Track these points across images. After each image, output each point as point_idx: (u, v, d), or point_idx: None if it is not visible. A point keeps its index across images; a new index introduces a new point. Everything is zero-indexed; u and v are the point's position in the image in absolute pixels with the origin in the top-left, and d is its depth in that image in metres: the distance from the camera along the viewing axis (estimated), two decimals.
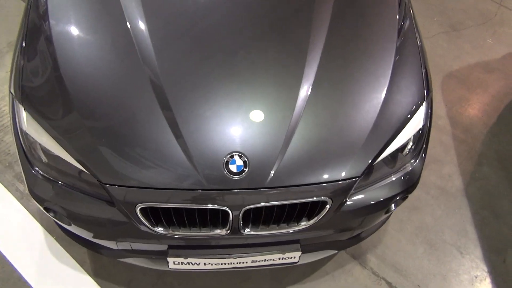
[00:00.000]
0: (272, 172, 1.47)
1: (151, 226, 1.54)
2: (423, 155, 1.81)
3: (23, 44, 1.72)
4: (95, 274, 2.07)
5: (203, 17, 1.75)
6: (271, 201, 1.49)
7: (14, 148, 1.75)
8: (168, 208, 1.52)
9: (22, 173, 1.65)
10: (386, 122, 1.63)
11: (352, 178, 1.54)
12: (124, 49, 1.65)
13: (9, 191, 2.28)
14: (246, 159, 1.47)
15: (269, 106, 1.59)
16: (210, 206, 1.47)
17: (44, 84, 1.62)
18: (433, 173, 2.52)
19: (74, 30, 1.70)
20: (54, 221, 1.85)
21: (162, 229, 1.55)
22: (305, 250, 1.75)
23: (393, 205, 1.76)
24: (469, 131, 2.72)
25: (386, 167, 1.68)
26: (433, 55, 3.07)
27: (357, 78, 1.69)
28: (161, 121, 1.51)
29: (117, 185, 1.47)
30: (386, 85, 1.69)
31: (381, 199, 1.67)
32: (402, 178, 1.72)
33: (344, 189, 1.54)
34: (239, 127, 1.53)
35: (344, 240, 1.88)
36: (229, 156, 1.47)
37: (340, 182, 1.53)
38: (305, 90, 1.62)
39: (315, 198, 1.51)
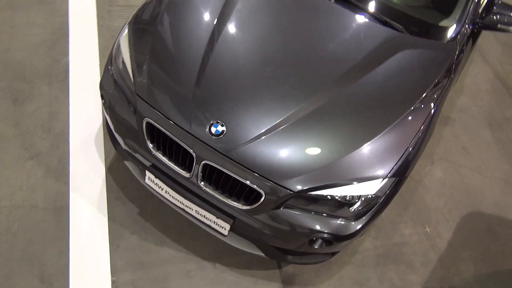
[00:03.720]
0: (237, 148, 1.93)
1: (147, 139, 2.10)
2: (365, 226, 2.08)
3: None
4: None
5: (265, 46, 2.23)
6: (223, 167, 1.94)
7: None
8: (161, 134, 2.06)
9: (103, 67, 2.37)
10: (341, 169, 1.96)
11: (288, 189, 1.91)
12: (203, 30, 2.24)
13: None
14: (225, 129, 1.96)
15: (269, 108, 2.02)
16: (183, 144, 1.98)
17: (144, 26, 2.32)
18: (397, 272, 2.66)
19: (179, 13, 2.35)
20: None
21: (152, 145, 2.10)
22: (234, 230, 2.15)
23: (317, 243, 2.07)
24: (458, 271, 2.77)
25: (327, 206, 2.01)
26: (476, 190, 3.15)
27: (347, 124, 2.05)
28: (194, 70, 2.08)
29: (141, 98, 2.07)
30: (367, 142, 2.02)
31: (306, 226, 1.99)
32: (334, 225, 2.02)
33: (279, 193, 1.92)
34: (240, 108, 2.01)
35: (270, 247, 2.20)
36: (216, 121, 1.97)
37: (278, 185, 1.91)
38: (300, 113, 2.04)
39: (253, 184, 1.92)
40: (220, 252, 2.51)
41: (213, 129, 1.96)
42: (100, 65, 3.14)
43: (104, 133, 2.84)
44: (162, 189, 2.21)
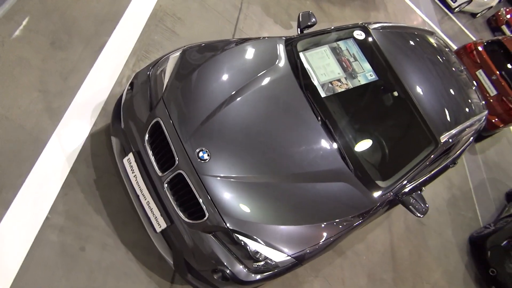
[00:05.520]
0: (209, 175, 2.53)
1: (148, 132, 2.66)
2: (256, 281, 2.67)
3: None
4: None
5: (262, 124, 2.89)
6: (191, 181, 2.52)
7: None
8: (160, 135, 2.64)
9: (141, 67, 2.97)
10: (265, 231, 2.58)
11: (225, 222, 2.50)
12: (227, 89, 2.89)
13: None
14: (209, 159, 2.57)
15: (244, 164, 2.66)
16: (174, 150, 2.56)
17: (192, 60, 2.99)
18: None
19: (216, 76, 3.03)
20: (121, 96, 3.04)
21: (148, 137, 2.67)
22: (165, 232, 2.67)
23: (218, 274, 2.62)
24: None
25: (240, 252, 2.60)
26: None
27: (283, 205, 2.71)
28: (207, 112, 2.72)
29: (164, 103, 2.68)
30: (291, 225, 2.68)
31: (218, 256, 2.56)
32: (237, 267, 2.60)
33: (216, 222, 2.51)
34: (227, 151, 2.64)
35: (182, 259, 2.70)
36: (206, 150, 2.58)
37: (220, 216, 2.50)
38: (259, 179, 2.69)
39: (203, 205, 2.50)
40: (138, 245, 2.96)
41: (201, 154, 2.57)
42: (128, 59, 3.72)
43: (102, 107, 3.34)
44: (133, 172, 2.73)
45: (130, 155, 2.74)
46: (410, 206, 3.39)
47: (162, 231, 2.70)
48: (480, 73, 7.35)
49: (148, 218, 2.71)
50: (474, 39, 11.66)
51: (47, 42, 3.31)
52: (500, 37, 7.90)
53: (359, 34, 3.65)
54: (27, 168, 2.78)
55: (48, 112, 3.04)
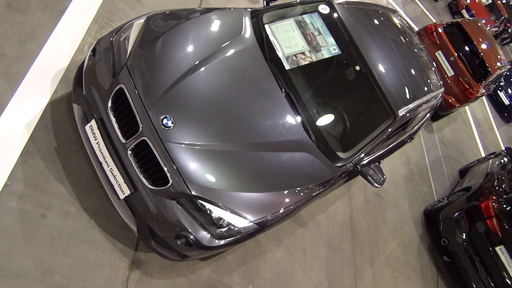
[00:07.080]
0: (172, 143, 2.54)
1: (111, 100, 2.63)
2: (219, 247, 2.73)
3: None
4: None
5: (225, 94, 2.88)
6: (155, 148, 2.52)
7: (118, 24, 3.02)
8: (124, 103, 2.62)
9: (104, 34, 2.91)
10: (229, 198, 2.63)
11: (189, 189, 2.53)
12: (191, 58, 2.86)
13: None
14: (172, 126, 2.57)
15: (207, 132, 2.68)
16: (138, 116, 2.55)
17: (157, 27, 2.94)
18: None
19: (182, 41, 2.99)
20: (84, 61, 2.97)
21: (111, 104, 2.64)
22: (129, 199, 2.67)
23: (182, 240, 2.66)
24: None
25: (204, 218, 2.65)
26: (295, 281, 3.96)
27: (245, 172, 2.76)
28: (172, 80, 2.70)
29: (128, 70, 2.64)
30: (253, 192, 2.75)
31: (182, 222, 2.59)
32: (201, 233, 2.64)
33: (180, 188, 2.53)
34: (191, 119, 2.65)
35: (146, 226, 2.72)
36: (170, 117, 2.58)
37: (184, 182, 2.53)
38: (223, 147, 2.72)
39: (167, 172, 2.52)
40: (100, 213, 2.95)
41: (165, 121, 2.57)
42: (90, 26, 3.62)
43: (63, 75, 3.25)
44: (95, 139, 2.70)
45: (93, 122, 2.70)
46: (369, 177, 3.52)
47: (126, 198, 2.70)
48: (439, 54, 7.60)
49: (111, 185, 2.70)
50: (435, 21, 11.98)
51: (3, 4, 3.16)
52: (459, 20, 8.16)
53: (324, 9, 3.70)
54: None
55: (6, 77, 2.94)
